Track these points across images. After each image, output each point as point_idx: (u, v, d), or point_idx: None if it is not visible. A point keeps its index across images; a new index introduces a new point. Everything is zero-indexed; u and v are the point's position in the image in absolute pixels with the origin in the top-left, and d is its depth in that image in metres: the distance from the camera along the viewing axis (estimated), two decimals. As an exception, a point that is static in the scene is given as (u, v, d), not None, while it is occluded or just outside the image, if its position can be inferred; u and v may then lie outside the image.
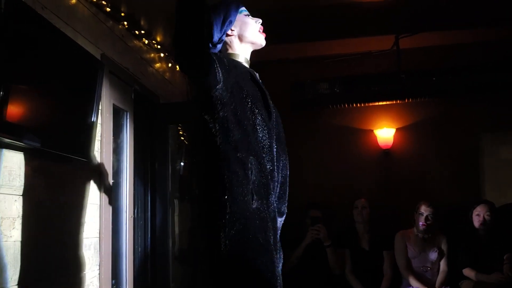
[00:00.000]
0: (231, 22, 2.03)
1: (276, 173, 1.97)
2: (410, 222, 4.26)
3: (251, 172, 1.82)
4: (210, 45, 2.02)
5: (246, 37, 2.07)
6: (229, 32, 2.05)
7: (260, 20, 2.11)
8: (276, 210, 1.96)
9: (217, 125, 1.87)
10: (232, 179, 1.80)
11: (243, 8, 2.10)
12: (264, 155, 1.91)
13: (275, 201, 1.96)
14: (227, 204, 1.79)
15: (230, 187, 1.80)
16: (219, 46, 2.06)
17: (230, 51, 2.08)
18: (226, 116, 1.86)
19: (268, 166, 1.92)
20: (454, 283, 4.05)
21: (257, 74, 2.10)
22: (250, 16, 2.11)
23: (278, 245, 1.97)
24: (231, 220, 1.78)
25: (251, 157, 1.84)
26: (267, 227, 1.83)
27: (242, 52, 2.08)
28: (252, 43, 2.10)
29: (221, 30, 2.01)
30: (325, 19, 3.99)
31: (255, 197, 1.81)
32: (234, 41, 2.07)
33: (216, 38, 2.01)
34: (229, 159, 1.82)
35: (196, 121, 2.00)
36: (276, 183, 1.99)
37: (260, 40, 2.10)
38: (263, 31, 2.11)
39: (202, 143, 1.94)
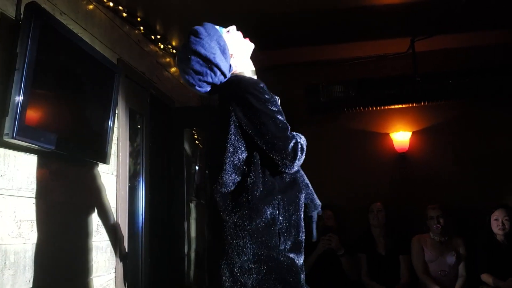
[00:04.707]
0: (226, 49, 1.87)
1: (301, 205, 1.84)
2: (426, 227, 4.22)
3: (278, 212, 1.72)
4: (223, 78, 1.87)
5: (242, 51, 1.94)
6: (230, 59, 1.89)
7: (234, 27, 1.96)
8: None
9: (246, 164, 1.76)
10: (258, 221, 1.69)
11: (219, 27, 1.92)
12: (293, 191, 1.79)
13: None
14: (251, 248, 1.68)
15: (256, 229, 1.69)
16: (229, 74, 1.90)
17: (239, 71, 1.93)
18: (255, 155, 1.76)
19: (299, 200, 1.80)
20: (472, 288, 4.00)
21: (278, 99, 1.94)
22: (226, 29, 1.95)
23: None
24: (257, 264, 1.68)
25: (279, 197, 1.74)
26: (297, 268, 1.76)
27: (249, 66, 1.96)
28: (248, 51, 1.97)
29: (227, 61, 1.86)
30: (340, 22, 3.98)
31: (282, 239, 1.72)
32: (237, 62, 1.92)
33: (228, 73, 1.88)
34: (256, 202, 1.70)
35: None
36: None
37: (251, 45, 1.98)
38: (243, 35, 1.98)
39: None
